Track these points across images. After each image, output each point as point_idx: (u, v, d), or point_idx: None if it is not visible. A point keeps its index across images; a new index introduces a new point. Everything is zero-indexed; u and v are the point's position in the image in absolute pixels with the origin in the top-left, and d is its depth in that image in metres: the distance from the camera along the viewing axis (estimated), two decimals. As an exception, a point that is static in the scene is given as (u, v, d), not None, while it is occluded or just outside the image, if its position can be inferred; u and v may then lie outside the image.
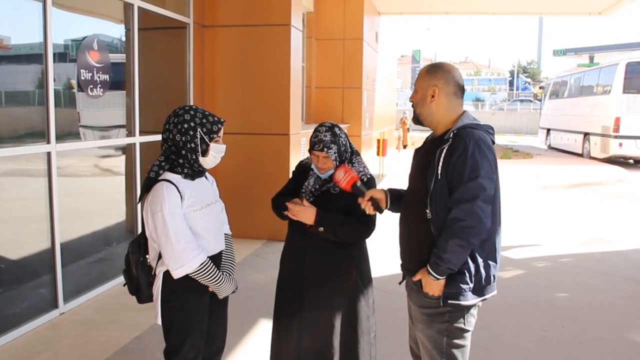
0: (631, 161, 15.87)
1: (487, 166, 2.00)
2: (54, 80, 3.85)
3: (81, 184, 4.78)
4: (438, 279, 2.05)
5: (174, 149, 2.21)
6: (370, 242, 2.56)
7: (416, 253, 2.17)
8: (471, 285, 2.06)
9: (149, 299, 2.33)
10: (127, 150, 4.99)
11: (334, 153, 2.41)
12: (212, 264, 2.24)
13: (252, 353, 3.48)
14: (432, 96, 2.14)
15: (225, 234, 2.47)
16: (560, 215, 8.52)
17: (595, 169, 14.07)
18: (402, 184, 2.42)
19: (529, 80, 56.54)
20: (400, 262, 2.30)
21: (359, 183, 2.32)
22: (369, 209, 2.28)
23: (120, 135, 5.04)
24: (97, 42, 4.33)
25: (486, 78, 61.33)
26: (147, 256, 2.31)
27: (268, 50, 6.00)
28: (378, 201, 2.29)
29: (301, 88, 8.30)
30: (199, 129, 2.19)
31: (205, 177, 2.37)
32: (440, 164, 2.04)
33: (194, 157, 2.21)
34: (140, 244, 2.32)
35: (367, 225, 2.44)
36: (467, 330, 2.15)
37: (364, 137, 10.93)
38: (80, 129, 4.56)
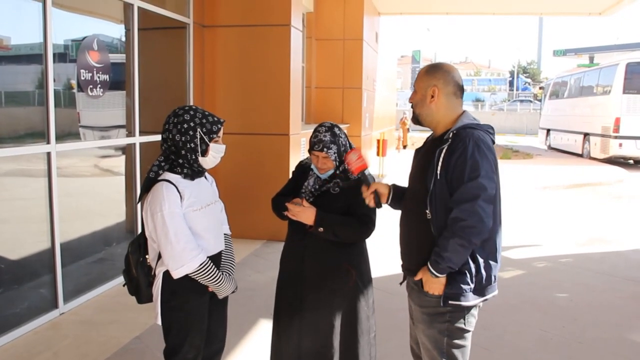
0: (631, 161, 15.86)
1: (487, 166, 2.00)
2: (54, 80, 3.85)
3: (81, 184, 4.78)
4: (438, 276, 2.05)
5: (174, 149, 2.21)
6: (370, 241, 2.56)
7: (416, 253, 2.17)
8: (472, 285, 2.06)
9: (149, 299, 2.33)
10: (127, 150, 4.99)
11: (334, 153, 2.42)
12: (211, 264, 2.24)
13: (252, 353, 3.48)
14: (432, 96, 2.14)
15: (224, 234, 2.47)
16: (560, 215, 8.52)
17: (595, 169, 14.07)
18: (402, 184, 2.42)
19: (529, 80, 56.54)
20: (400, 262, 2.30)
21: (367, 172, 2.33)
22: (370, 200, 2.28)
23: (120, 135, 5.04)
24: (97, 42, 4.33)
25: (486, 78, 61.34)
26: (146, 256, 2.32)
27: (268, 50, 6.00)
28: (380, 196, 2.30)
29: (301, 88, 8.30)
30: (198, 129, 2.19)
31: (205, 177, 2.38)
32: (440, 164, 2.04)
33: (193, 157, 2.21)
34: (140, 244, 2.32)
35: (367, 225, 2.44)
36: (468, 331, 2.15)
37: (363, 138, 10.94)
38: (80, 129, 4.56)
